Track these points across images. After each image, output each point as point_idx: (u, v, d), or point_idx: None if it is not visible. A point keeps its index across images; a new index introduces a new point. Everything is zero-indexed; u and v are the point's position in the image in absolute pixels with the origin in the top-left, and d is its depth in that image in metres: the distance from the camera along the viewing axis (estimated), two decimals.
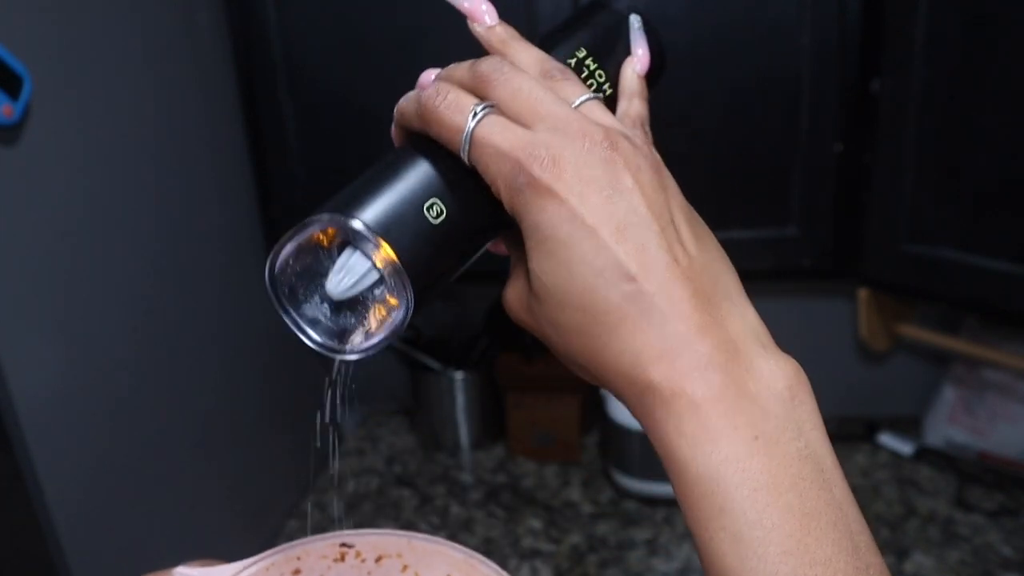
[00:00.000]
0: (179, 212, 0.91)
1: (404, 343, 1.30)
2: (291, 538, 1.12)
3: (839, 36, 0.89)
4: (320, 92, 1.00)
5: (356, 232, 0.29)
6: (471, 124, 0.29)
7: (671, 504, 1.14)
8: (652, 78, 0.37)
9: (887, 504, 1.12)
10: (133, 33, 0.83)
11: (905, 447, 1.22)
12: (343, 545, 0.42)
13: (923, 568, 0.99)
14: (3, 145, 0.65)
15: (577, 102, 0.30)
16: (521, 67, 0.31)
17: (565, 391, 1.25)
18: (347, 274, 0.30)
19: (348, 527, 0.40)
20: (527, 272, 0.30)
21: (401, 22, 0.95)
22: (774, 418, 0.27)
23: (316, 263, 0.31)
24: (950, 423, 1.21)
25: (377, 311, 0.31)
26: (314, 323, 0.31)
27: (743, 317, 0.29)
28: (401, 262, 0.29)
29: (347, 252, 0.30)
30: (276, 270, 0.30)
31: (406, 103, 0.33)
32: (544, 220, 0.28)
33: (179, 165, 0.91)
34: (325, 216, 0.29)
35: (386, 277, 0.30)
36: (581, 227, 0.27)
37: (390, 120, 0.37)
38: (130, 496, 0.81)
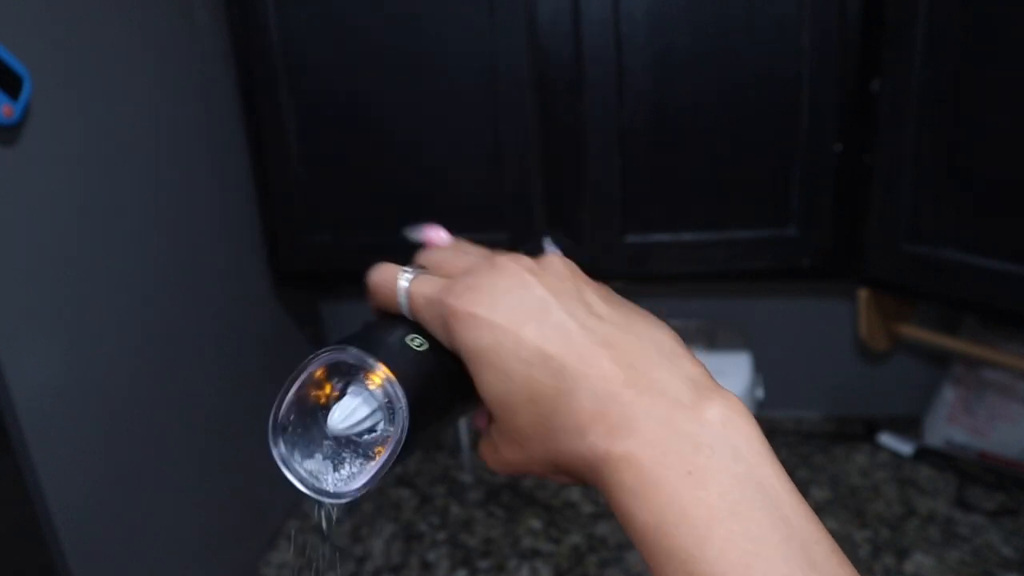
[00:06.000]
0: (179, 212, 0.91)
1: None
2: (291, 539, 1.12)
3: (839, 36, 0.89)
4: (320, 92, 1.00)
5: (353, 356, 0.32)
6: (403, 284, 0.35)
7: None
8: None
9: (887, 504, 1.12)
10: (133, 33, 0.83)
11: (905, 447, 1.22)
12: None
13: (923, 568, 0.99)
14: (3, 145, 0.65)
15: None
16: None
17: None
18: (345, 409, 0.33)
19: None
20: (489, 420, 0.34)
21: (400, 22, 0.95)
22: (707, 448, 0.27)
23: (312, 421, 0.33)
24: (950, 423, 1.21)
25: (375, 451, 0.33)
26: (311, 475, 0.33)
27: (672, 366, 0.30)
28: (395, 374, 0.32)
29: (348, 395, 0.33)
30: (279, 419, 0.33)
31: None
32: (472, 337, 0.31)
33: (179, 165, 0.91)
34: (323, 353, 0.33)
35: (382, 402, 0.32)
36: (500, 331, 0.31)
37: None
38: (130, 496, 0.81)
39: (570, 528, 1.12)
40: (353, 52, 0.97)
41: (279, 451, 0.33)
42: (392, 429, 0.32)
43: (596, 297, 0.33)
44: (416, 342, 0.34)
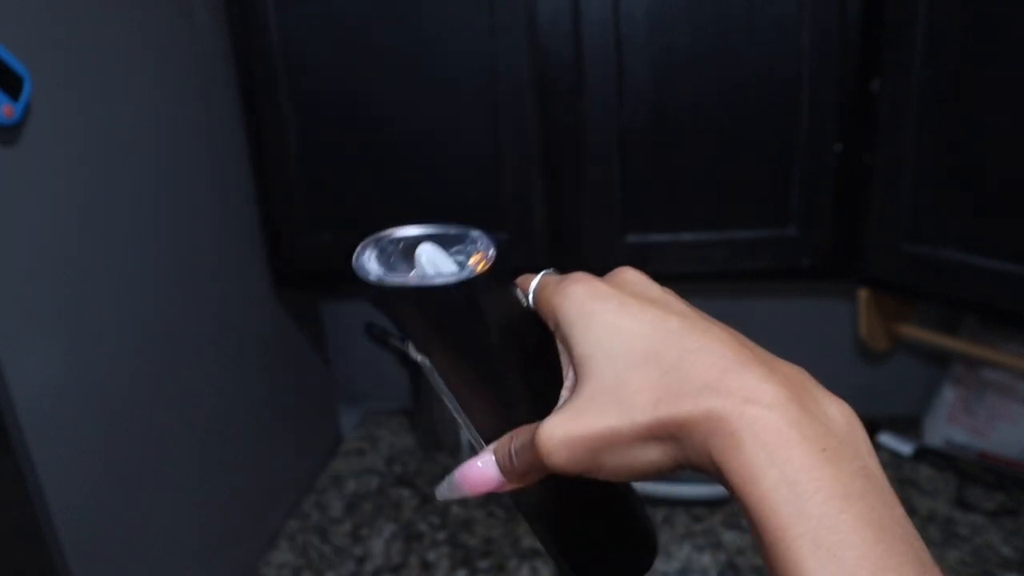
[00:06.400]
0: (179, 212, 0.91)
1: (403, 343, 1.30)
2: (291, 539, 1.12)
3: (839, 36, 0.89)
4: (320, 92, 1.00)
5: (481, 238, 0.36)
6: (540, 274, 0.38)
7: (671, 504, 1.14)
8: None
9: None
10: (133, 33, 0.83)
11: (905, 447, 1.22)
12: None
13: None
14: (3, 145, 0.65)
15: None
16: None
17: None
18: (439, 252, 0.36)
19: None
20: (556, 406, 0.35)
21: (400, 22, 0.95)
22: (835, 437, 0.29)
23: (403, 262, 0.37)
24: (950, 423, 1.21)
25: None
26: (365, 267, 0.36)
27: (787, 364, 0.32)
28: (487, 274, 0.34)
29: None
30: (395, 233, 0.36)
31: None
32: (593, 300, 0.34)
33: (179, 165, 0.91)
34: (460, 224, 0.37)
35: (463, 277, 0.34)
36: (624, 299, 0.33)
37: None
38: (130, 496, 0.81)
39: None
40: (353, 52, 0.97)
41: (373, 241, 0.36)
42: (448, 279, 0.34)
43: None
44: (524, 300, 0.38)
